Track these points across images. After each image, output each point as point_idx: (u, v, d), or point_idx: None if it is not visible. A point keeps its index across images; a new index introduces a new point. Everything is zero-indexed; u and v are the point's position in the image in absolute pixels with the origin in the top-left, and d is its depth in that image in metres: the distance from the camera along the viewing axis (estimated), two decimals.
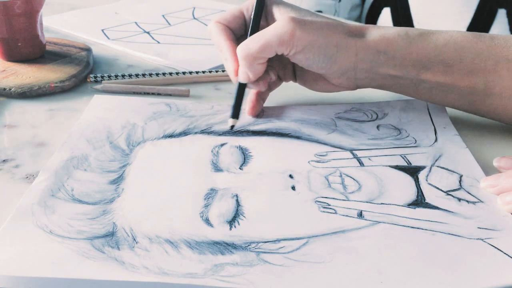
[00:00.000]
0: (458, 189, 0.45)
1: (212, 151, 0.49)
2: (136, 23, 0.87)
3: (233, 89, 0.64)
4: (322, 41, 0.50)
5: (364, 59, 0.51)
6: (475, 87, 0.50)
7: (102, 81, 0.64)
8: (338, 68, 0.52)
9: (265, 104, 0.58)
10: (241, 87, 0.54)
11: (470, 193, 0.44)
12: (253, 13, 0.55)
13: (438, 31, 0.52)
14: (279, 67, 0.57)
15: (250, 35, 0.54)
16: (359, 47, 0.51)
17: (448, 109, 0.57)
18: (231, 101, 0.54)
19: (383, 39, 0.51)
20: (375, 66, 0.51)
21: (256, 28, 0.55)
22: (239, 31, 0.56)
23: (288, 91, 0.61)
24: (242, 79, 0.53)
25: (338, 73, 0.52)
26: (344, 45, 0.50)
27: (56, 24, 0.85)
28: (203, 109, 0.57)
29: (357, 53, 0.51)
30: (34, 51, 0.67)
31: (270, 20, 0.55)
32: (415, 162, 0.48)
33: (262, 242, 0.38)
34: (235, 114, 0.54)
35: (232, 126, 0.54)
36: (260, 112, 0.57)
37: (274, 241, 0.38)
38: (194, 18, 0.91)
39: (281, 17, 0.53)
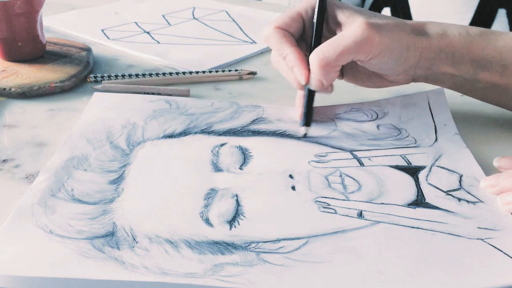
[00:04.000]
0: (458, 189, 0.45)
1: (212, 151, 0.49)
2: (136, 23, 0.87)
3: (233, 89, 0.64)
4: (397, 44, 0.50)
5: (426, 57, 0.51)
6: None
7: (102, 81, 0.64)
8: (404, 68, 0.52)
9: (266, 105, 0.58)
10: (311, 93, 0.53)
11: (470, 193, 0.44)
12: (315, 17, 0.53)
13: (499, 31, 0.52)
14: None
15: (315, 41, 0.52)
16: (424, 46, 0.51)
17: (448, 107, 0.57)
18: (231, 100, 0.54)
19: (445, 37, 0.51)
20: (435, 64, 0.52)
21: (320, 32, 0.53)
22: (298, 34, 0.55)
23: (287, 91, 0.61)
24: (315, 86, 0.51)
25: (400, 71, 0.52)
26: (413, 44, 0.50)
27: (56, 24, 0.85)
28: (203, 106, 0.57)
29: (422, 51, 0.51)
30: (34, 51, 0.67)
31: (331, 22, 0.54)
32: (415, 162, 0.48)
33: (262, 242, 0.38)
34: (308, 122, 0.53)
35: (305, 134, 0.53)
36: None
37: (274, 241, 0.38)
38: (194, 18, 0.91)
39: (351, 21, 0.51)
